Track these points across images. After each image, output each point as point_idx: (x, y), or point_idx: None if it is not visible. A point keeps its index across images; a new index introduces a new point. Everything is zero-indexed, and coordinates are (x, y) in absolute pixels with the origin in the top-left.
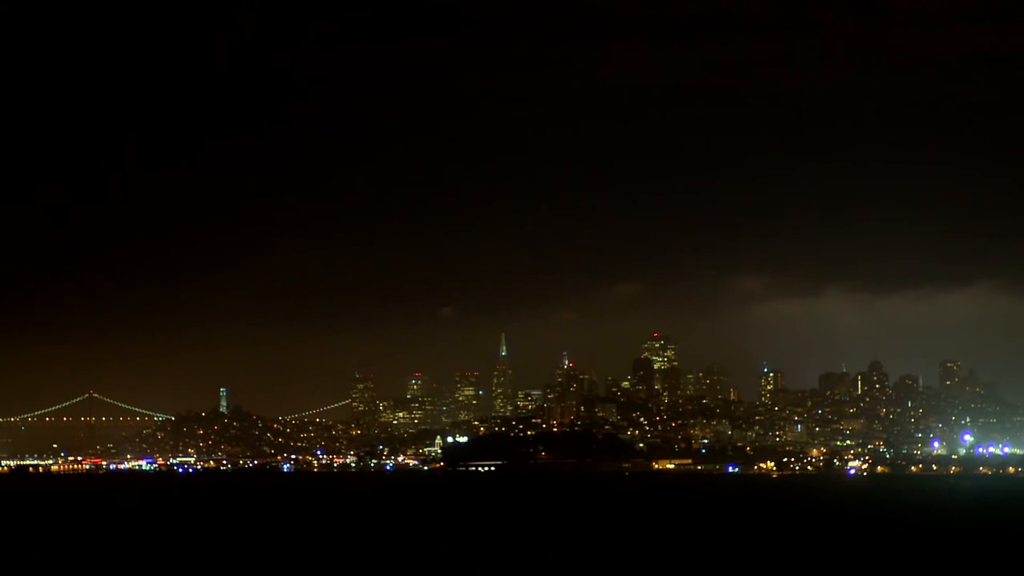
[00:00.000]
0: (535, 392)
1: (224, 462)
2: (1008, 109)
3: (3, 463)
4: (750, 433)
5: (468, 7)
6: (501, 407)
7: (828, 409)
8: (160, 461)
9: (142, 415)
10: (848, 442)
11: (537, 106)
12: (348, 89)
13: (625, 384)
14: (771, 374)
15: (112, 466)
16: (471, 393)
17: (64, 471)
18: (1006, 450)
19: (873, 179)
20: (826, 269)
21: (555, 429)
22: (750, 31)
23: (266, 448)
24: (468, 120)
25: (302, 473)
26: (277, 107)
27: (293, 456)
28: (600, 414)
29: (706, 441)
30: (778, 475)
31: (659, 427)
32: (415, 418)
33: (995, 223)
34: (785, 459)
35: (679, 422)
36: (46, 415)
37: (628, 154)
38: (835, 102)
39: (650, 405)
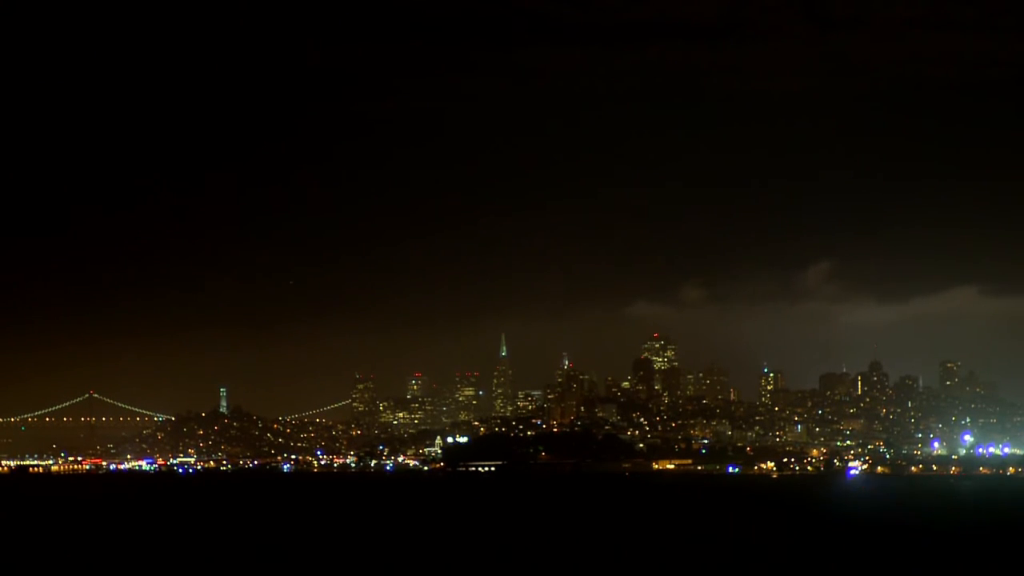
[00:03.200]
0: (535, 392)
1: (224, 462)
2: (977, 109)
3: (3, 463)
4: (750, 433)
5: (409, 13)
6: (501, 407)
7: (828, 409)
8: (160, 461)
9: (142, 415)
10: (848, 442)
11: (532, 107)
12: (346, 95)
13: (625, 384)
14: (771, 374)
15: (112, 466)
16: (471, 393)
17: (64, 471)
18: (1006, 450)
19: (869, 180)
20: (827, 269)
21: (555, 429)
22: (698, 37)
23: (266, 448)
24: (466, 121)
25: (302, 473)
26: (277, 111)
27: (293, 456)
28: (600, 414)
29: (706, 441)
30: (778, 475)
31: (659, 427)
32: (415, 418)
33: (994, 224)
34: (785, 459)
35: (679, 422)
36: (46, 415)
37: (626, 155)
38: (797, 105)
39: (650, 405)
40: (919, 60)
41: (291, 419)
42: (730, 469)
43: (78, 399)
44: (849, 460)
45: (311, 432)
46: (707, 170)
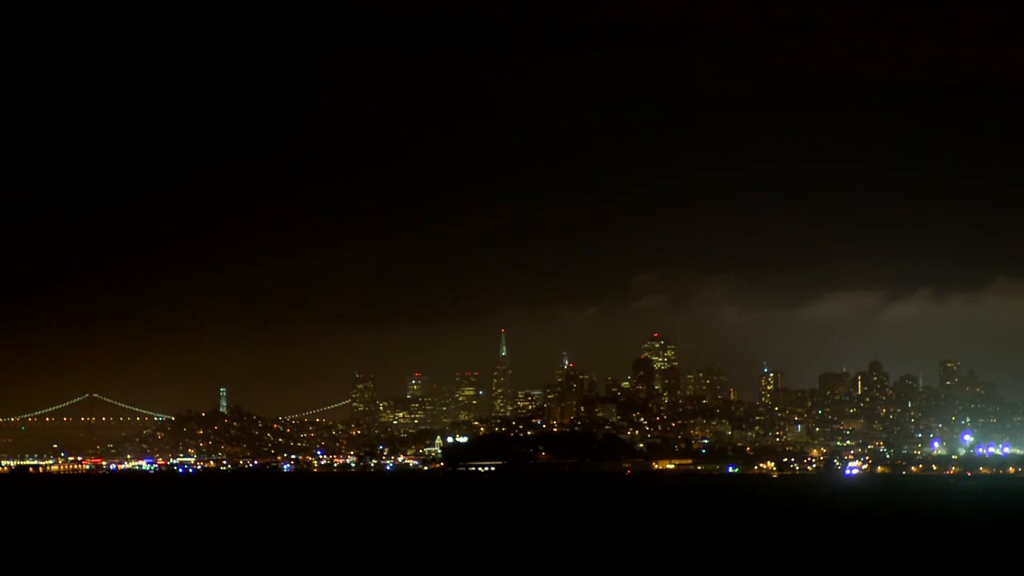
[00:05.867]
0: (535, 392)
1: (224, 462)
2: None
3: (3, 463)
4: (750, 433)
5: (380, 17)
6: (501, 407)
7: (828, 409)
8: (160, 461)
9: (142, 415)
10: (848, 442)
11: (528, 107)
12: (345, 96)
13: (625, 384)
14: (771, 374)
15: (112, 466)
16: (471, 393)
17: (64, 471)
18: (1006, 450)
19: (871, 182)
20: (826, 270)
21: (555, 429)
22: (654, 40)
23: (266, 448)
24: (464, 122)
25: (302, 473)
26: (276, 112)
27: (293, 456)
28: (600, 414)
29: (706, 441)
30: (778, 475)
31: (659, 427)
32: (415, 418)
33: (994, 225)
34: (785, 459)
35: (679, 422)
36: (46, 415)
37: (624, 154)
38: (765, 106)
39: (650, 405)
40: (870, 63)
41: (291, 419)
42: (730, 469)
43: (78, 399)
44: (849, 460)
45: (311, 432)
46: (703, 169)
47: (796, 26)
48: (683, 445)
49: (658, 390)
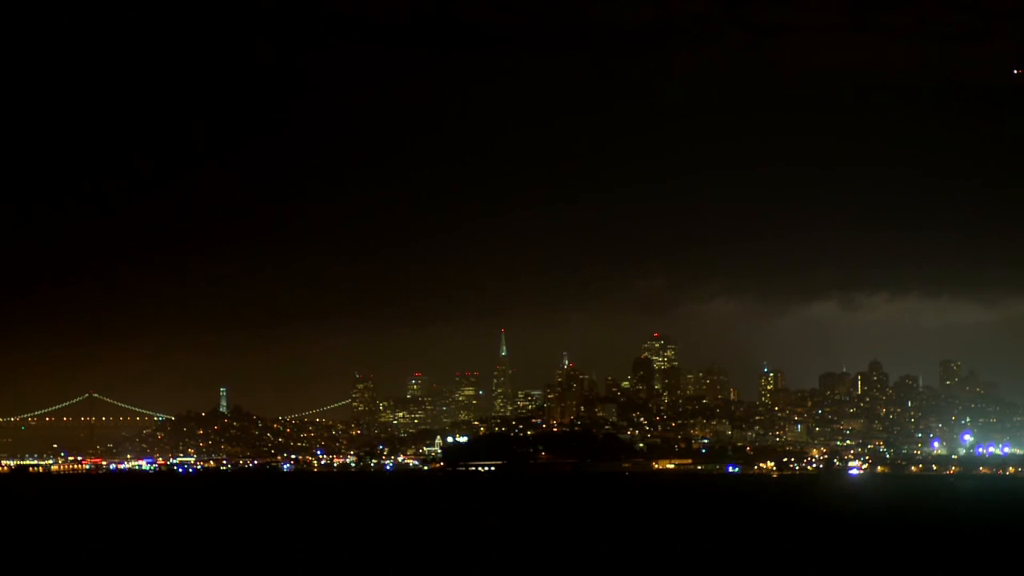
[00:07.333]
0: (535, 392)
1: (224, 462)
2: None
3: (3, 463)
4: (750, 433)
5: (362, 19)
6: (501, 407)
7: (828, 409)
8: (160, 461)
9: (142, 415)
10: (848, 442)
11: (524, 108)
12: (344, 93)
13: (625, 384)
14: (771, 374)
15: (112, 466)
16: (471, 393)
17: (64, 471)
18: (1006, 450)
19: (869, 182)
20: (826, 270)
21: (555, 429)
22: (631, 42)
23: (266, 448)
24: (462, 121)
25: (302, 473)
26: (277, 111)
27: (293, 456)
28: (600, 414)
29: (706, 441)
30: (778, 475)
31: (659, 427)
32: (415, 418)
33: (995, 227)
34: (785, 459)
35: (679, 422)
36: (46, 415)
37: (625, 154)
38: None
39: (650, 405)
40: (846, 65)
41: (291, 419)
42: (730, 469)
43: (78, 399)
44: (849, 460)
45: (311, 432)
46: (696, 171)
47: (771, 28)
48: (683, 445)
49: (658, 390)
